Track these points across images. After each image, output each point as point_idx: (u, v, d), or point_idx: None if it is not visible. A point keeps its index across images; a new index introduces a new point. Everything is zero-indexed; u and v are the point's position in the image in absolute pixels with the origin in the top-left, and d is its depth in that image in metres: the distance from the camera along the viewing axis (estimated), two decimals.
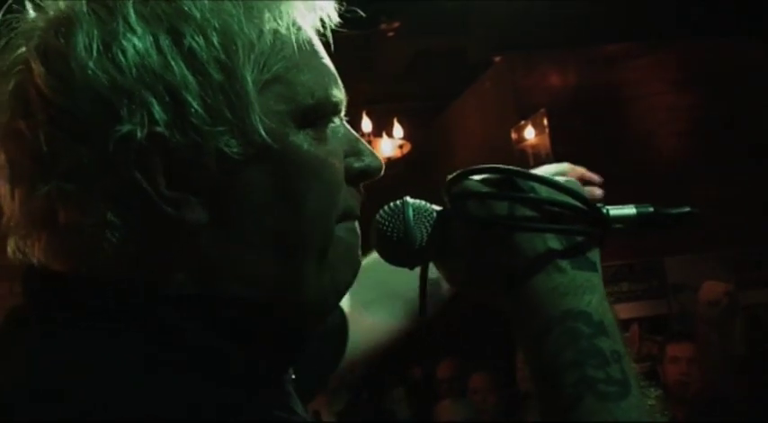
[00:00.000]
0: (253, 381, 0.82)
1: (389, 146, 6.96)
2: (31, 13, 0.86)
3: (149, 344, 0.78)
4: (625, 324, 6.15)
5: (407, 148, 7.15)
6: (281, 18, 0.85)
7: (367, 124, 6.77)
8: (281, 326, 0.86)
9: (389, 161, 6.98)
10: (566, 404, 0.85)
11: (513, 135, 6.68)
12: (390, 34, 5.92)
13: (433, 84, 7.26)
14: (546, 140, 6.38)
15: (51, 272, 0.84)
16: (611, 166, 6.46)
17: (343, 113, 0.92)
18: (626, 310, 6.10)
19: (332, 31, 0.93)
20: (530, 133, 6.55)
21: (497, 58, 6.82)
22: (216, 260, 0.83)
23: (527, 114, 6.57)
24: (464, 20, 5.81)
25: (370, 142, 7.00)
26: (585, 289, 0.91)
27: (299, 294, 0.87)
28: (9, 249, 0.86)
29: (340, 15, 0.94)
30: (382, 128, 6.93)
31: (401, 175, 6.03)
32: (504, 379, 5.73)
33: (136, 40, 0.79)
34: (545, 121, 6.40)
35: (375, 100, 6.98)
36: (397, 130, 6.88)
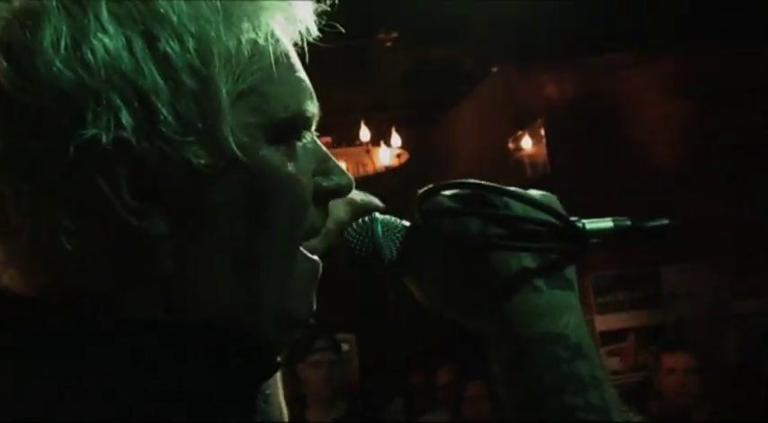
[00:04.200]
0: (220, 400, 0.78)
1: (387, 155, 6.98)
2: None
3: (117, 370, 0.74)
4: (621, 333, 6.17)
5: (405, 157, 7.18)
6: (259, 28, 0.81)
7: (365, 133, 6.80)
8: (240, 346, 0.82)
9: (387, 170, 7.00)
10: None
11: (511, 144, 6.71)
12: (389, 44, 5.94)
13: (430, 93, 7.29)
14: (543, 150, 6.40)
15: (10, 292, 0.79)
16: (608, 175, 6.48)
17: (314, 128, 0.88)
18: (621, 320, 6.11)
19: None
20: (527, 143, 6.57)
21: (495, 68, 6.85)
22: (175, 274, 0.79)
23: (524, 124, 6.59)
24: (462, 30, 5.84)
25: (368, 151, 7.05)
26: (563, 309, 0.89)
27: (256, 314, 0.83)
28: None
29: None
30: (380, 137, 6.96)
31: (398, 183, 6.06)
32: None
33: (107, 40, 0.74)
34: (542, 131, 6.42)
35: (373, 109, 7.01)
36: (395, 139, 6.90)
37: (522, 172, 6.51)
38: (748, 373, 5.93)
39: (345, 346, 6.02)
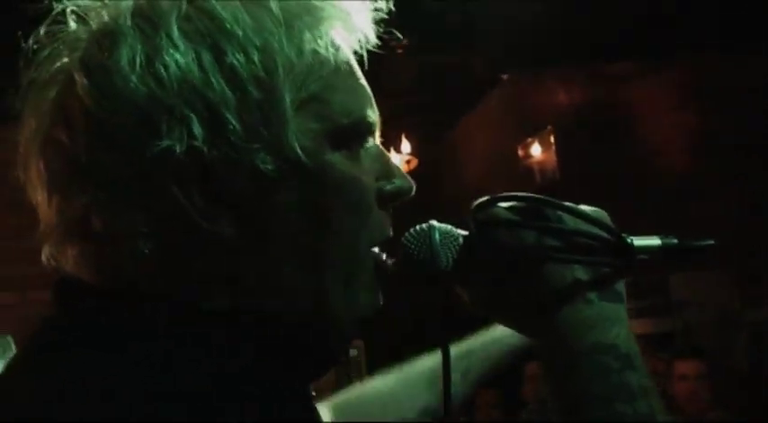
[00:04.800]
0: (288, 393, 0.82)
1: (397, 161, 6.97)
2: (73, 24, 0.86)
3: (199, 358, 0.78)
4: None
5: (415, 163, 7.18)
6: (320, 38, 0.85)
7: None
8: (306, 341, 0.86)
9: None
10: None
11: (520, 152, 6.72)
12: (399, 51, 5.95)
13: (440, 100, 7.30)
14: (552, 157, 6.41)
15: (86, 284, 0.84)
16: (617, 183, 6.47)
17: (377, 134, 0.92)
18: (631, 327, 6.10)
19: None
20: (536, 150, 6.58)
21: (505, 76, 6.86)
22: (245, 274, 0.83)
23: (534, 131, 6.61)
24: (472, 37, 5.85)
25: None
26: (613, 321, 0.91)
27: (323, 313, 0.87)
28: (43, 257, 0.86)
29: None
30: (390, 143, 6.96)
31: None
32: (510, 394, 5.73)
33: (178, 56, 0.79)
34: (551, 139, 6.43)
35: (383, 115, 7.01)
36: (405, 146, 6.91)
37: (532, 179, 6.52)
38: (757, 379, 5.92)
39: (354, 352, 6.03)
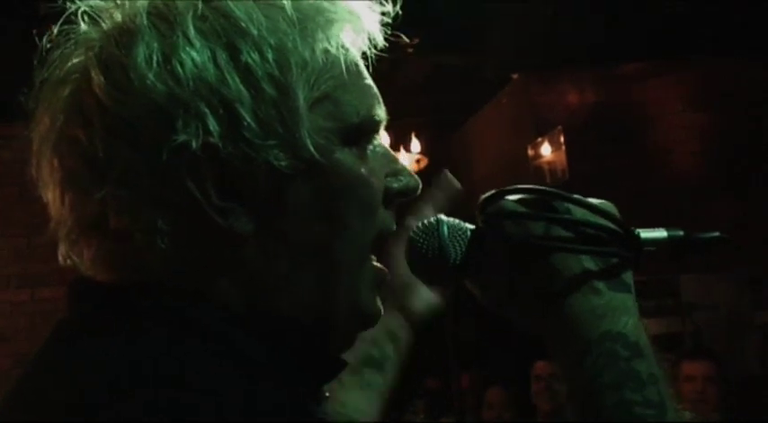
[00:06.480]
0: (301, 389, 0.83)
1: (407, 160, 6.98)
2: (83, 25, 0.87)
3: (215, 354, 0.79)
4: None
5: (425, 162, 7.18)
6: (332, 39, 0.87)
7: (385, 138, 6.80)
8: (317, 341, 0.88)
9: None
10: None
11: (530, 152, 6.71)
12: (409, 50, 5.96)
13: (450, 99, 7.29)
14: (562, 157, 6.40)
15: (104, 281, 0.85)
16: (627, 184, 6.46)
17: (383, 132, 0.94)
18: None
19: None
20: (546, 150, 6.57)
21: (515, 75, 6.85)
22: (258, 269, 0.84)
23: (544, 131, 6.59)
24: (482, 37, 5.85)
25: None
26: (622, 311, 0.92)
27: (332, 309, 0.88)
28: (60, 255, 0.88)
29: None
30: (400, 142, 6.96)
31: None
32: (519, 394, 5.73)
33: (194, 54, 0.81)
34: (561, 139, 6.42)
35: (393, 115, 6.99)
36: (415, 145, 6.91)
37: (541, 179, 6.51)
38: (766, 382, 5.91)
39: None
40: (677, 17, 5.48)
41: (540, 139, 6.61)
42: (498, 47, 6.08)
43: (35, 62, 0.88)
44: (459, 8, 5.21)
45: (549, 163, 6.57)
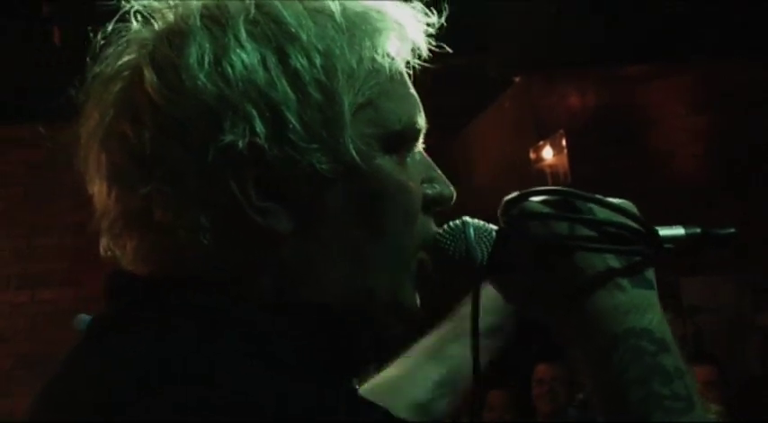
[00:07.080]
0: (331, 391, 0.83)
1: None
2: (135, 24, 0.90)
3: (254, 347, 0.80)
4: None
5: None
6: (378, 47, 0.89)
7: None
8: (350, 338, 0.89)
9: None
10: (634, 420, 0.88)
11: (532, 154, 6.71)
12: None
13: (452, 102, 7.29)
14: (564, 160, 6.40)
15: (142, 275, 0.86)
16: (629, 186, 6.46)
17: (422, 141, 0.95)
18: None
19: None
20: (548, 153, 6.58)
21: (517, 78, 6.86)
22: (295, 269, 0.86)
23: (546, 134, 6.60)
24: (485, 39, 5.85)
25: None
26: (646, 307, 0.93)
27: (369, 304, 0.89)
28: (101, 248, 0.90)
29: None
30: None
31: None
32: (520, 397, 5.73)
33: (245, 56, 0.83)
34: (563, 142, 6.43)
35: None
36: None
37: (543, 182, 6.51)
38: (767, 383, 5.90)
39: None
40: (677, 17, 5.48)
41: (541, 143, 6.61)
42: (501, 49, 6.08)
43: (87, 59, 0.90)
44: (461, 10, 5.21)
45: (550, 166, 6.57)
